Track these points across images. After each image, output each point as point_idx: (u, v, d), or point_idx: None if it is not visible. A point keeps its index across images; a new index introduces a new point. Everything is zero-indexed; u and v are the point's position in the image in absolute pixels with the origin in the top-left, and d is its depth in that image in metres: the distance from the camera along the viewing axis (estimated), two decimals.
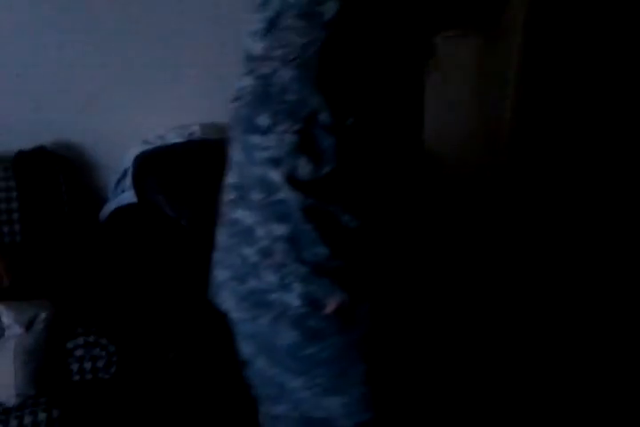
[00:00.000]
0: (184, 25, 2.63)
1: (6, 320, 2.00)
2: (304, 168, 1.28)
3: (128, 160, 2.61)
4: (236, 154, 1.38)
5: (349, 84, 1.30)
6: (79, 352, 2.02)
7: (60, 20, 2.51)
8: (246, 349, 1.51)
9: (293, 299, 1.35)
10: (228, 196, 1.41)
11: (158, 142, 2.66)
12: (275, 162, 1.28)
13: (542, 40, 2.78)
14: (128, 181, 2.60)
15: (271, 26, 1.31)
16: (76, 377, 2.01)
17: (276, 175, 1.28)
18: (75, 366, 2.01)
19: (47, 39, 2.52)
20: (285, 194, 1.28)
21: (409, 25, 1.37)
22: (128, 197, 2.59)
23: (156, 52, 2.64)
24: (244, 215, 1.35)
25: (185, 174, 2.55)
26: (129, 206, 2.58)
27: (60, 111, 2.59)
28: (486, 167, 2.91)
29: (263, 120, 1.28)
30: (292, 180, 1.27)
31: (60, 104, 2.59)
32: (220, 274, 1.44)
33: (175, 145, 2.64)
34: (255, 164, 1.30)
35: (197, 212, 2.49)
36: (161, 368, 2.13)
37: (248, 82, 1.34)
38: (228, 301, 1.44)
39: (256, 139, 1.29)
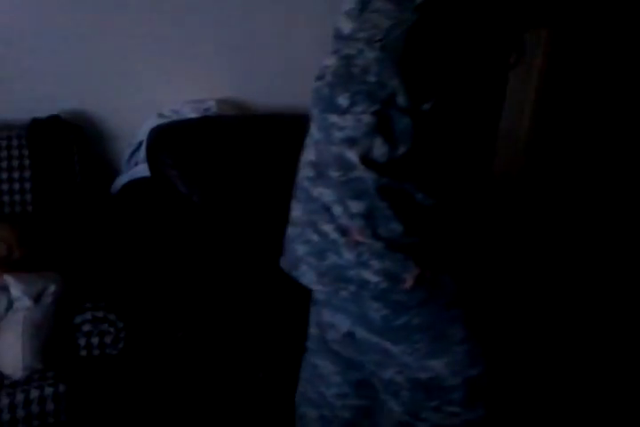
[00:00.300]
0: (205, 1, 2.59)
1: (15, 292, 1.98)
2: (379, 149, 1.31)
3: (143, 133, 2.57)
4: (315, 132, 1.41)
5: (430, 69, 1.30)
6: (87, 327, 2.01)
7: None
8: (343, 320, 1.56)
9: (371, 275, 1.39)
10: (307, 173, 1.44)
11: (174, 116, 2.63)
12: (351, 142, 1.31)
13: (565, 43, 2.74)
14: (142, 153, 2.57)
15: (363, 7, 1.32)
16: (84, 352, 2.00)
17: (351, 155, 1.31)
18: (82, 341, 2.00)
19: (67, 11, 2.47)
20: (361, 173, 1.31)
21: (499, 15, 1.35)
22: (141, 170, 2.56)
23: (176, 26, 2.60)
24: (322, 193, 1.39)
25: (199, 150, 2.52)
26: (142, 180, 2.55)
27: (78, 81, 2.56)
28: (503, 167, 2.88)
29: (342, 100, 1.31)
30: (366, 160, 1.30)
31: (77, 74, 2.56)
32: (299, 249, 1.48)
33: (190, 120, 2.61)
34: (333, 143, 1.34)
35: (210, 188, 2.47)
36: (169, 347, 2.12)
37: (332, 61, 1.35)
38: (307, 275, 1.48)
39: (334, 118, 1.32)
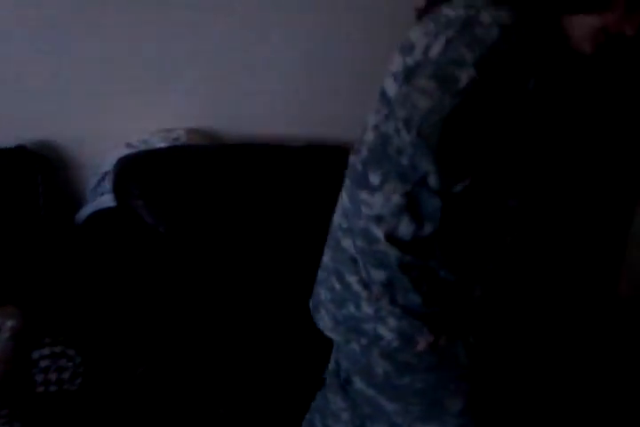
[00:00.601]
0: (174, 28, 2.57)
1: None
2: (405, 228, 1.32)
3: (109, 163, 2.55)
4: (345, 200, 1.45)
5: (467, 154, 1.29)
6: (45, 363, 1.98)
7: (50, 21, 2.45)
8: (346, 367, 1.60)
9: (386, 332, 1.43)
10: (341, 222, 1.48)
11: (142, 146, 2.60)
12: (378, 219, 1.32)
13: None
14: (108, 183, 2.54)
15: (408, 77, 1.31)
16: (40, 389, 1.96)
17: (377, 231, 1.32)
18: (39, 377, 1.97)
19: (37, 39, 2.46)
20: (384, 248, 1.32)
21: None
22: (107, 200, 2.53)
23: (145, 55, 2.58)
24: (351, 246, 1.43)
25: (166, 180, 2.50)
26: (107, 210, 2.52)
27: (44, 111, 2.54)
28: None
29: (374, 178, 1.33)
30: (391, 237, 1.32)
31: (43, 103, 2.54)
32: (322, 293, 1.53)
33: (158, 150, 2.58)
34: (360, 217, 1.35)
35: (177, 219, 2.45)
36: (129, 383, 2.08)
37: (370, 137, 1.37)
38: (325, 320, 1.53)
39: (364, 195, 1.34)
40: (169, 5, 2.52)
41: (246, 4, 2.58)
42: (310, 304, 1.60)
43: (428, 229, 1.32)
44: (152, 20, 2.54)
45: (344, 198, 1.46)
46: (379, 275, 1.37)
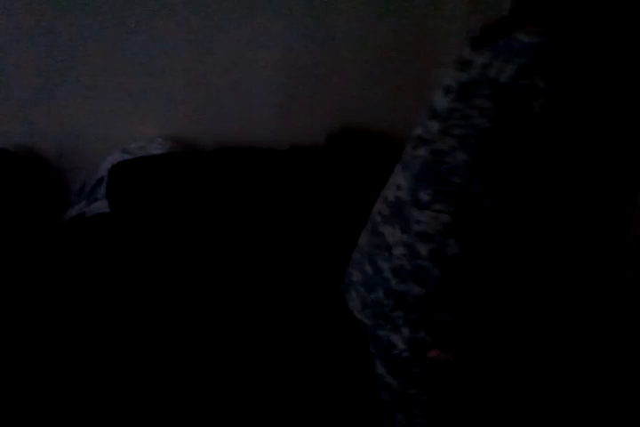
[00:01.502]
0: (170, 33, 2.58)
1: None
2: (451, 248, 1.31)
3: (104, 169, 2.51)
4: (389, 191, 1.46)
5: (525, 177, 1.30)
6: None
7: (47, 26, 2.47)
8: (370, 349, 1.58)
9: (399, 341, 1.45)
10: (381, 208, 1.48)
11: (139, 153, 2.58)
12: (424, 236, 1.32)
13: None
14: (103, 189, 2.50)
15: (462, 93, 1.32)
16: None
17: (422, 248, 1.33)
18: None
19: (33, 44, 2.47)
20: (428, 265, 1.33)
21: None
22: (101, 206, 2.48)
23: (142, 61, 2.59)
24: (388, 232, 1.43)
25: (160, 187, 2.46)
26: (101, 216, 2.46)
27: (26, 114, 2.54)
28: None
29: (424, 195, 1.32)
30: (435, 257, 1.32)
31: (26, 107, 2.54)
32: (354, 274, 1.54)
33: (153, 156, 2.56)
34: (407, 232, 1.37)
35: (170, 226, 2.39)
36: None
37: (422, 153, 1.37)
38: (354, 301, 1.54)
39: (413, 211, 1.33)
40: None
41: (231, 10, 2.59)
42: (342, 284, 1.61)
43: (474, 251, 1.32)
44: (151, 28, 2.56)
45: (388, 188, 1.47)
46: (418, 290, 1.38)
